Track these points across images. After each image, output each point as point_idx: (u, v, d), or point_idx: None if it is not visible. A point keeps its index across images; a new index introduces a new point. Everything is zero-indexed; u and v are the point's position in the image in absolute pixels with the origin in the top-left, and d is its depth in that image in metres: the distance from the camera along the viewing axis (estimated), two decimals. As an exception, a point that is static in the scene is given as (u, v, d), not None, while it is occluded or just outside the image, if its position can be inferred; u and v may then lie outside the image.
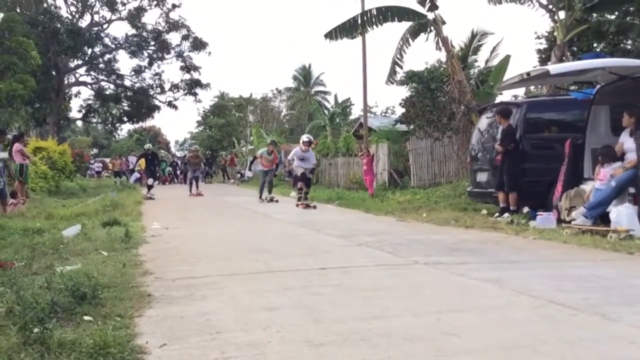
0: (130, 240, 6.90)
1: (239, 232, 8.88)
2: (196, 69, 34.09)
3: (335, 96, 42.39)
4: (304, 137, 15.13)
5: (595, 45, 21.13)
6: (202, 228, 9.40)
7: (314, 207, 13.69)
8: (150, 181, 19.02)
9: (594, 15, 15.92)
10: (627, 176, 7.39)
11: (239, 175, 36.09)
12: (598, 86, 8.93)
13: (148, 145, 21.66)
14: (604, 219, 7.43)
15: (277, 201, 15.63)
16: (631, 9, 20.13)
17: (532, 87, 18.51)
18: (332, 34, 15.94)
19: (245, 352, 2.89)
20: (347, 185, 20.83)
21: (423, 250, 6.43)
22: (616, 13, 19.72)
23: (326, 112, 36.94)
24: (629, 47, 20.56)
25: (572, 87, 10.37)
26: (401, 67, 16.62)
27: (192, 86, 34.35)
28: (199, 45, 33.11)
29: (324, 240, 7.67)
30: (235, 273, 5.10)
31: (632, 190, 7.37)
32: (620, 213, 7.10)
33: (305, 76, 53.64)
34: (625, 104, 7.82)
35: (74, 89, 34.19)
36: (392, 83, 16.98)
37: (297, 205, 13.86)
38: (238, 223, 10.31)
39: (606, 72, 8.19)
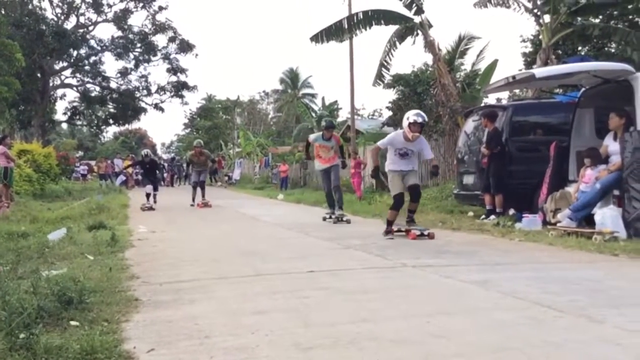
0: (116, 244, 6.85)
1: (227, 235, 8.85)
2: (183, 71, 34.02)
3: (323, 99, 42.56)
4: (412, 115, 7.96)
5: (580, 48, 21.35)
6: (189, 231, 9.36)
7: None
8: (148, 189, 15.47)
9: (579, 19, 16.12)
10: (611, 179, 7.47)
11: (226, 177, 36.01)
12: (583, 89, 9.03)
13: (146, 151, 17.45)
14: (589, 221, 7.52)
15: (348, 222, 10.28)
16: (615, 13, 20.39)
17: (517, 90, 18.66)
18: (318, 37, 15.97)
19: (234, 356, 2.88)
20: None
21: (411, 252, 6.45)
22: (600, 17, 19.97)
23: (313, 114, 37.03)
24: (613, 50, 20.79)
25: (557, 90, 10.46)
26: (388, 70, 16.70)
27: (179, 88, 34.24)
28: (185, 47, 33.02)
29: (313, 243, 7.68)
30: (223, 277, 5.08)
31: (616, 192, 7.47)
32: (604, 215, 7.18)
33: (292, 78, 53.66)
34: (609, 106, 7.91)
35: (59, 91, 34.01)
36: (380, 85, 17.04)
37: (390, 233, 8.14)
38: (226, 226, 10.28)
39: (591, 76, 8.28)
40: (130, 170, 30.66)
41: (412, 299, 4.14)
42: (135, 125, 45.70)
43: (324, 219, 10.73)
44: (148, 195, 15.12)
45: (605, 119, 7.88)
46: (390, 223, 8.16)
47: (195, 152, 16.27)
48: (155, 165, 17.53)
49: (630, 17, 21.08)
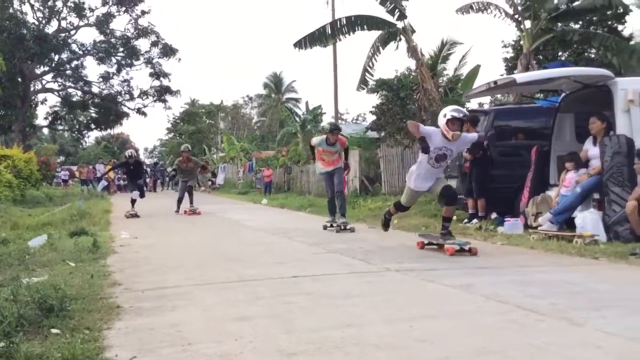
0: (98, 251, 6.79)
1: (210, 240, 8.81)
2: (166, 75, 33.80)
3: (307, 103, 42.56)
4: (450, 111, 6.72)
5: (560, 53, 21.67)
6: (172, 237, 9.30)
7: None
8: (135, 194, 14.18)
9: (559, 24, 16.33)
10: (591, 182, 7.58)
11: (210, 182, 35.84)
12: (563, 94, 9.15)
13: (130, 152, 15.44)
14: (570, 225, 7.61)
15: (352, 230, 9.44)
16: (594, 18, 20.75)
17: (499, 95, 18.85)
18: (302, 43, 16.00)
19: (217, 363, 2.87)
20: (319, 193, 20.84)
21: (394, 257, 6.47)
22: (580, 22, 20.29)
23: (297, 119, 37.02)
24: (592, 55, 21.11)
25: (538, 95, 10.59)
26: (372, 75, 16.77)
27: (162, 93, 34.01)
28: (168, 51, 32.83)
29: (296, 247, 7.67)
30: (206, 283, 5.05)
31: (596, 196, 7.57)
32: (585, 218, 7.27)
33: (276, 83, 53.64)
34: (589, 111, 8.03)
35: (40, 96, 33.57)
36: (364, 90, 17.11)
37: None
38: (209, 231, 10.23)
39: (571, 81, 8.39)
40: (111, 175, 30.41)
41: (395, 304, 4.16)
42: (117, 130, 45.30)
43: (325, 227, 9.87)
44: (133, 201, 13.85)
45: (585, 123, 7.99)
46: (390, 215, 7.72)
47: (182, 157, 14.80)
48: (141, 167, 15.93)
49: (609, 22, 21.46)
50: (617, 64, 16.33)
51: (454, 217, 10.47)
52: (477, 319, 3.67)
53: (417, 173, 6.90)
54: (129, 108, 34.32)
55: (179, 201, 14.77)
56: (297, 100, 52.82)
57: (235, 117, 54.90)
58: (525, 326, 3.45)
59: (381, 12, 15.81)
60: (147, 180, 35.40)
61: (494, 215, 9.33)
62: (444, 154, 6.70)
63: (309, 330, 3.43)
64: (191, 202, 14.51)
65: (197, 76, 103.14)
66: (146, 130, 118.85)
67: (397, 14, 15.44)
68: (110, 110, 33.56)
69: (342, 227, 9.47)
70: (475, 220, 9.33)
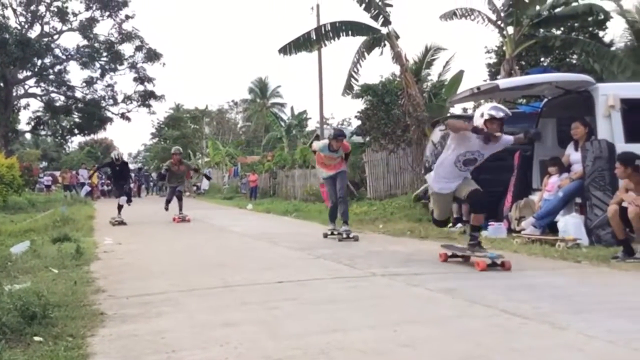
0: (81, 257, 6.73)
1: (195, 246, 8.76)
2: (150, 80, 33.60)
3: (292, 108, 42.55)
4: (488, 110, 6.11)
5: (542, 59, 21.93)
6: (156, 243, 9.24)
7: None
8: (122, 200, 13.41)
9: (541, 30, 16.54)
10: (573, 187, 7.67)
11: (195, 187, 35.68)
12: (545, 100, 9.26)
13: (116, 153, 14.49)
14: (553, 228, 7.69)
15: (356, 239, 8.75)
16: (576, 24, 21.02)
17: (482, 101, 19.02)
18: (287, 49, 16.01)
19: (202, 370, 2.86)
20: (304, 197, 20.88)
21: (380, 261, 6.49)
22: (562, 29, 20.56)
23: (283, 123, 37.03)
24: (574, 61, 21.39)
25: (521, 101, 10.70)
26: (357, 80, 16.81)
27: (146, 97, 33.80)
28: (152, 56, 32.65)
29: (282, 253, 7.66)
30: (191, 289, 5.03)
31: (578, 200, 7.67)
32: (567, 222, 7.36)
33: (261, 88, 53.60)
34: (571, 116, 8.13)
35: (23, 101, 33.21)
36: (349, 95, 17.15)
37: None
38: (194, 237, 10.18)
39: (553, 87, 8.50)
40: (95, 180, 30.13)
41: (381, 309, 4.17)
42: (101, 135, 44.99)
43: (325, 235, 9.31)
44: (120, 207, 13.10)
45: (567, 128, 8.09)
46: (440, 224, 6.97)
47: (173, 160, 13.87)
48: (127, 169, 14.78)
49: (590, 29, 21.76)
50: (598, 70, 16.56)
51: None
52: (462, 323, 3.70)
53: (438, 174, 6.24)
54: (112, 113, 34.07)
55: (168, 202, 14.19)
56: (282, 105, 52.86)
57: (221, 122, 54.73)
58: (509, 330, 3.48)
59: (366, 18, 15.88)
60: (132, 185, 35.04)
61: (478, 220, 9.37)
62: (474, 158, 6.05)
63: (294, 335, 3.43)
64: (180, 209, 13.75)
65: (182, 81, 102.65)
66: (130, 135, 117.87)
67: (381, 20, 15.51)
68: (93, 115, 33.26)
69: (345, 236, 8.84)
70: (459, 225, 9.39)
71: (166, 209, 14.04)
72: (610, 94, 7.73)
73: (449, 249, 6.48)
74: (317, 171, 10.25)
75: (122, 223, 12.57)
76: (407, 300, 4.49)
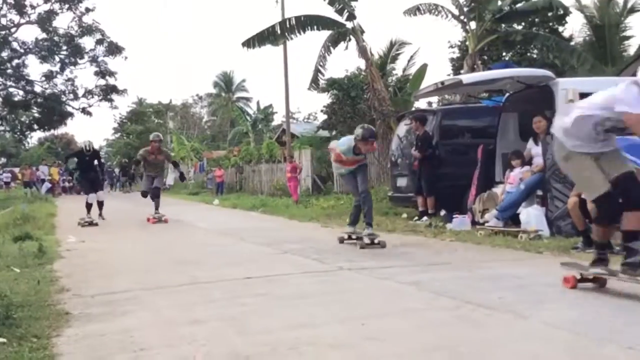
0: (44, 256, 6.59)
1: (160, 243, 8.67)
2: (112, 74, 32.89)
3: (258, 102, 42.33)
4: None
5: (504, 54, 22.32)
6: (121, 240, 9.10)
7: None
8: (90, 198, 11.82)
9: (503, 25, 16.85)
10: (535, 179, 7.85)
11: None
12: (507, 94, 9.44)
13: (88, 142, 12.48)
14: (515, 220, 7.86)
15: (383, 245, 7.11)
16: (536, 19, 21.47)
17: (446, 95, 19.29)
18: (251, 43, 15.94)
19: (171, 368, 2.84)
20: (271, 192, 20.83)
21: (347, 255, 6.53)
22: (523, 24, 20.97)
23: (248, 118, 36.78)
24: (535, 55, 21.85)
25: (483, 95, 10.90)
26: (323, 75, 16.86)
27: (108, 92, 33.10)
28: (114, 49, 31.98)
29: (249, 249, 7.64)
30: (157, 287, 4.98)
31: (539, 192, 7.85)
32: (529, 214, 7.53)
33: (226, 82, 53.11)
34: (532, 111, 8.30)
35: (-21, 96, 32.19)
36: (316, 89, 17.18)
37: None
38: (160, 233, 10.05)
39: (514, 81, 8.66)
40: (56, 176, 29.46)
41: (349, 303, 4.21)
42: (61, 130, 43.92)
43: (342, 241, 7.64)
44: (89, 206, 11.65)
45: (528, 122, 8.26)
46: (601, 247, 4.41)
47: (151, 147, 11.98)
48: (98, 160, 12.85)
49: (551, 24, 22.25)
50: (559, 64, 16.96)
51: (404, 215, 10.76)
52: (428, 315, 3.76)
53: (580, 137, 4.28)
54: (73, 108, 33.23)
55: (144, 194, 12.44)
56: (248, 99, 52.50)
57: (185, 117, 54.12)
58: (474, 321, 3.56)
59: (331, 12, 15.93)
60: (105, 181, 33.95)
61: (442, 213, 9.53)
62: (621, 128, 4.21)
63: (263, 331, 3.44)
64: (157, 208, 12.06)
65: (145, 75, 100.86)
66: (92, 130, 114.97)
67: (346, 15, 15.58)
68: (53, 110, 32.42)
69: (369, 241, 7.08)
70: (425, 218, 9.53)
71: (144, 195, 12.47)
72: (569, 88, 7.90)
73: (576, 268, 4.59)
74: (334, 167, 8.48)
75: (92, 224, 11.29)
76: (375, 294, 4.54)
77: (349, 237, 7.62)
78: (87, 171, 12.35)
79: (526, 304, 3.91)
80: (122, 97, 34.07)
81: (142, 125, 45.40)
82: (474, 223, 8.52)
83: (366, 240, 7.10)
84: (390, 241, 7.75)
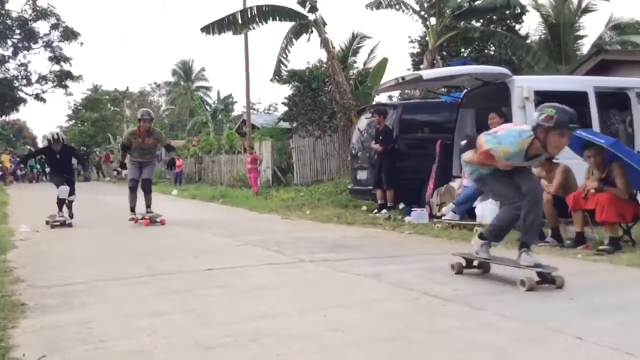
0: (-4, 246, 6.42)
1: (119, 233, 8.54)
2: (67, 60, 32.13)
3: (218, 92, 41.93)
4: None
5: (463, 50, 22.71)
6: (77, 230, 8.92)
7: None
8: (63, 192, 9.39)
9: (462, 22, 17.12)
10: (490, 175, 8.04)
11: (115, 172, 34.50)
12: (465, 91, 9.64)
13: (56, 133, 9.70)
14: (471, 214, 8.06)
15: (560, 285, 4.29)
16: (494, 17, 21.91)
17: (407, 90, 19.53)
18: (210, 29, 15.73)
19: (132, 360, 2.84)
20: (231, 183, 20.70)
21: (308, 248, 6.59)
22: (481, 21, 21.38)
23: (208, 108, 36.39)
24: (492, 53, 22.30)
25: (443, 91, 11.09)
26: (286, 66, 16.83)
27: (63, 78, 32.31)
28: (70, 35, 31.21)
29: (209, 240, 7.61)
30: (116, 278, 4.93)
31: (495, 187, 8.05)
32: (484, 208, 7.74)
33: (186, 71, 52.29)
34: (489, 107, 8.50)
35: None
36: (279, 81, 17.13)
37: None
38: (116, 224, 9.87)
39: (472, 78, 8.85)
40: (7, 164, 28.53)
41: (309, 294, 4.27)
42: (13, 116, 42.56)
43: (461, 269, 4.94)
44: (61, 203, 9.43)
45: (485, 119, 8.45)
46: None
47: (140, 128, 9.58)
48: (72, 154, 10.50)
49: (508, 22, 22.74)
50: (516, 61, 17.37)
51: (364, 208, 10.89)
52: (387, 306, 3.85)
53: None
54: (26, 94, 32.35)
55: (133, 190, 9.74)
56: (208, 89, 51.88)
57: (143, 105, 53.09)
58: (431, 312, 3.67)
59: (293, 4, 15.87)
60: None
61: (401, 206, 9.68)
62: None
63: (224, 323, 3.46)
64: (149, 206, 9.65)
65: (101, 61, 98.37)
66: (45, 117, 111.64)
67: (308, 7, 15.55)
68: (5, 96, 31.42)
69: (542, 278, 4.37)
70: (384, 211, 9.66)
71: (132, 217, 9.64)
72: (525, 86, 8.15)
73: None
74: (470, 167, 5.13)
75: (64, 224, 9.18)
76: (335, 286, 4.60)
77: (476, 265, 4.98)
78: (58, 173, 9.86)
79: (480, 295, 4.04)
80: (78, 83, 33.38)
81: (97, 113, 44.39)
82: (431, 216, 8.70)
83: (536, 279, 4.33)
84: (349, 234, 7.86)
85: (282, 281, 4.77)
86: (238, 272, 5.16)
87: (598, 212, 5.74)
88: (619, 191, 5.79)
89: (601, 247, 5.74)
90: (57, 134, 9.69)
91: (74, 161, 11.05)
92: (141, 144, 9.58)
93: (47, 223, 9.23)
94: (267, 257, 6.03)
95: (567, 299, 3.87)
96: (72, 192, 9.67)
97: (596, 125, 8.15)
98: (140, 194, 9.75)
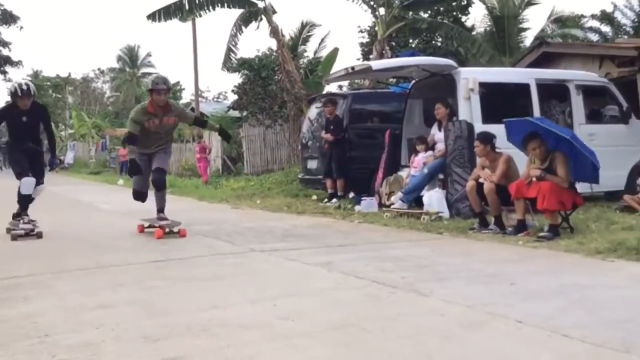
0: None
1: (62, 225, 8.30)
2: (5, 44, 30.85)
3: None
4: None
5: (411, 41, 23.03)
6: (18, 222, 8.61)
7: None
8: (26, 185, 6.77)
9: (410, 13, 17.35)
10: (437, 164, 8.25)
11: (57, 161, 33.44)
12: (413, 81, 9.80)
13: (21, 83, 6.95)
14: (419, 203, 8.23)
15: None
16: (441, 9, 22.30)
17: (356, 80, 19.69)
18: (156, 16, 15.43)
19: (78, 354, 2.78)
20: (180, 173, 20.40)
21: (258, 237, 6.59)
22: (429, 12, 21.71)
23: (155, 95, 35.53)
24: (439, 44, 22.71)
25: (391, 81, 11.25)
26: (235, 54, 16.66)
27: (1, 63, 30.98)
28: (8, 18, 29.94)
29: (157, 230, 7.48)
30: (61, 271, 4.80)
31: (441, 176, 8.26)
32: (431, 197, 7.92)
33: (131, 57, 51.00)
34: (436, 98, 8.68)
35: None
36: (228, 70, 16.95)
37: None
38: (60, 215, 9.61)
39: (420, 69, 9.01)
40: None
41: (260, 284, 4.28)
42: (-54, 102, 40.58)
43: None
44: (24, 200, 6.89)
45: (432, 109, 8.64)
46: None
47: (153, 102, 6.74)
48: (43, 118, 7.27)
49: (455, 13, 23.19)
50: (463, 53, 17.74)
51: (314, 197, 10.94)
52: (336, 294, 3.91)
53: None
54: (-39, 79, 30.83)
55: (140, 195, 7.32)
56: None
57: (86, 92, 51.56)
58: (379, 299, 3.74)
59: (242, -10, 15.69)
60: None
61: (351, 195, 9.79)
62: None
63: (173, 314, 3.43)
64: (161, 209, 7.04)
65: (42, 46, 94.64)
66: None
67: (257, -7, 15.43)
68: (-62, 81, 29.91)
69: None
70: (334, 200, 9.75)
71: (141, 198, 7.40)
72: (470, 77, 8.35)
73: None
74: None
75: (31, 233, 6.67)
76: (286, 275, 4.63)
77: None
78: (22, 140, 6.91)
79: (427, 282, 4.15)
80: (17, 69, 32.17)
81: (38, 99, 42.75)
82: (381, 205, 8.83)
83: None
84: (299, 223, 7.91)
85: (232, 271, 4.77)
86: (187, 263, 5.12)
87: (539, 200, 5.94)
88: (559, 179, 6.02)
89: (541, 234, 5.96)
90: (27, 84, 6.77)
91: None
92: (158, 126, 6.71)
93: (8, 231, 6.88)
94: (217, 247, 6.00)
95: (508, 284, 4.02)
96: (39, 180, 6.85)
97: (537, 116, 8.43)
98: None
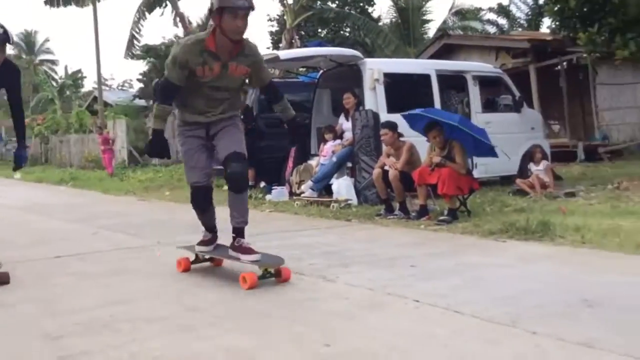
0: None
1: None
2: None
3: (66, 67, 39.11)
4: None
5: (319, 30, 23.27)
6: None
7: None
8: None
9: (318, 2, 17.54)
10: (345, 152, 8.45)
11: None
12: (321, 71, 9.94)
13: None
14: (328, 191, 8.41)
15: None
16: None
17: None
18: (54, 2, 14.70)
19: (-28, 357, 2.67)
20: (82, 165, 19.56)
21: (166, 230, 6.48)
22: (337, 2, 22.02)
23: (54, 83, 33.83)
24: (347, 34, 23.09)
25: (301, 71, 11.34)
26: (139, 41, 16.14)
27: None
28: None
29: (58, 226, 7.20)
30: (-49, 271, 4.51)
31: (349, 164, 8.48)
32: (340, 185, 8.12)
33: (28, 43, 47.93)
34: (343, 88, 8.87)
35: None
36: (132, 57, 16.39)
37: None
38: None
39: (327, 60, 9.17)
40: None
41: (166, 277, 4.23)
42: None
43: None
44: None
45: (340, 98, 8.82)
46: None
47: (217, 32, 3.81)
48: (14, 79, 4.68)
49: (361, 4, 23.65)
50: (370, 43, 18.16)
51: (225, 188, 10.81)
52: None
53: None
54: None
55: (203, 194, 4.41)
56: (53, 62, 48.14)
57: (-23, 80, 47.89)
58: (288, 285, 3.82)
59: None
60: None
61: (262, 184, 9.82)
62: None
63: (76, 311, 3.34)
64: (241, 228, 4.23)
65: None
66: None
67: (161, -21, 15.02)
68: None
69: None
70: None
71: (205, 199, 4.50)
72: (375, 68, 8.60)
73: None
74: None
75: None
76: (193, 267, 4.60)
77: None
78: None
79: (334, 268, 4.28)
80: None
81: None
82: (291, 194, 8.93)
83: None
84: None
85: (137, 265, 4.68)
86: (90, 258, 4.97)
87: (439, 185, 6.26)
88: (457, 166, 6.36)
89: (441, 218, 6.28)
90: (2, 26, 4.08)
91: None
92: (218, 78, 3.97)
93: None
94: (122, 241, 5.86)
95: (408, 267, 4.23)
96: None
97: (437, 105, 8.84)
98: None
